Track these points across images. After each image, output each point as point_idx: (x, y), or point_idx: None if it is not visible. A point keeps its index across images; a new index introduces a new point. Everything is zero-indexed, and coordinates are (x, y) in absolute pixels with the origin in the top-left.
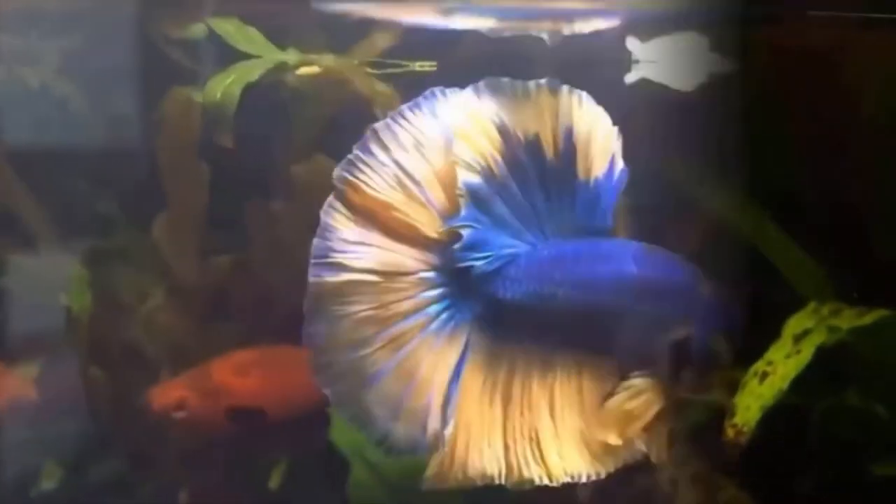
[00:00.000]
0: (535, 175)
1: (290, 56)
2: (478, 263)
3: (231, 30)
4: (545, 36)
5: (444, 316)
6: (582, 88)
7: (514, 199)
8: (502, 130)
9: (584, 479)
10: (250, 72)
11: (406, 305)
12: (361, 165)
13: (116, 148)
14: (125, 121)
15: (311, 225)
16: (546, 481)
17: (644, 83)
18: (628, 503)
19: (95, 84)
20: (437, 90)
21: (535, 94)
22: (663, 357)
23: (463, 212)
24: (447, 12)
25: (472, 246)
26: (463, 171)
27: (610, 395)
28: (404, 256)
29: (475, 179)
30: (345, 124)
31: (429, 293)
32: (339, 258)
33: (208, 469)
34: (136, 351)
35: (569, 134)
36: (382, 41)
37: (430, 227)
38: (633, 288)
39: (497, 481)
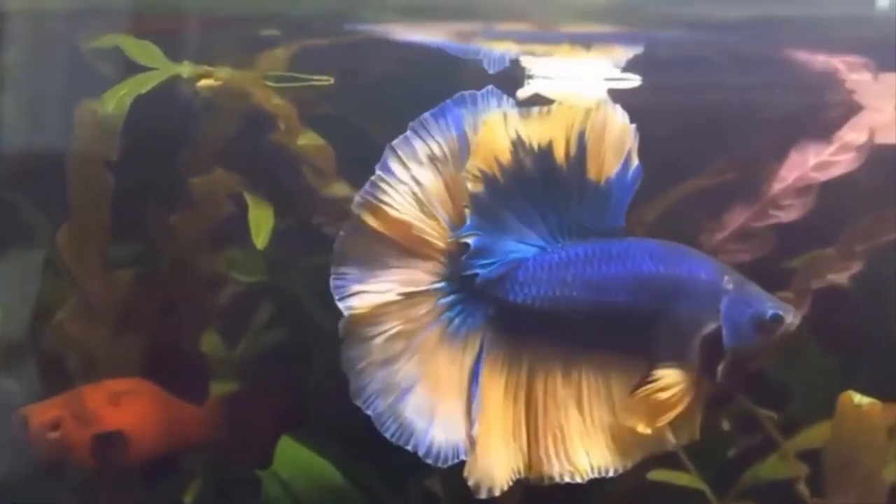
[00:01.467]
0: (545, 181)
1: (185, 68)
2: (482, 271)
3: (128, 43)
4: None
5: (457, 321)
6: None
7: (521, 206)
8: (516, 142)
9: (610, 474)
10: (143, 84)
11: (426, 316)
12: (384, 186)
13: (39, 156)
14: (50, 130)
15: (211, 237)
16: (571, 478)
17: (537, 99)
18: None
19: (25, 94)
20: (457, 100)
21: (556, 110)
22: (693, 351)
23: (468, 221)
24: (465, 36)
25: (476, 254)
26: (469, 183)
27: (639, 385)
28: (420, 271)
29: (480, 190)
30: (248, 137)
31: (443, 301)
32: (360, 288)
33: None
34: (52, 362)
35: (581, 137)
36: (283, 55)
37: (441, 238)
38: (651, 286)
39: (520, 476)
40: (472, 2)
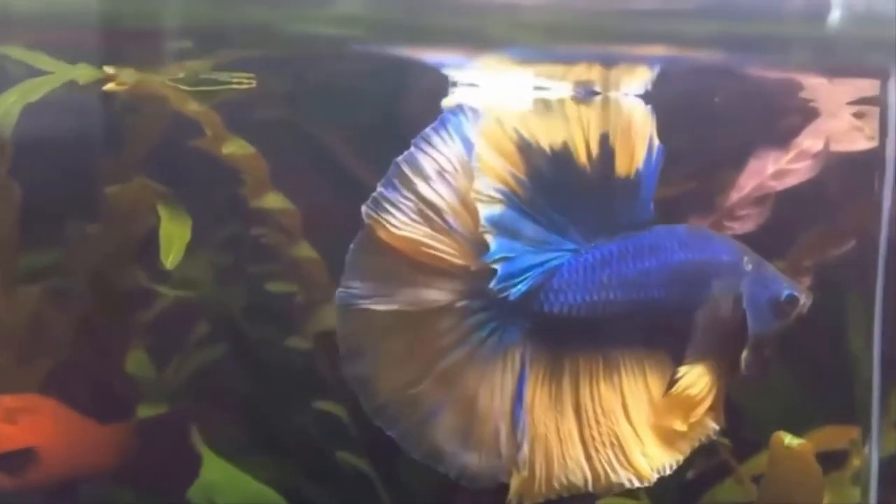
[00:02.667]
0: (567, 183)
1: (83, 72)
2: (515, 289)
3: (17, 53)
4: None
5: (491, 340)
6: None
7: (544, 214)
8: (522, 146)
9: (668, 471)
10: (34, 90)
11: (450, 338)
12: (385, 204)
13: None
14: None
15: (130, 250)
16: (637, 483)
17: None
18: None
19: None
20: (455, 110)
21: (557, 107)
22: (718, 337)
23: (492, 247)
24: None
25: (510, 275)
26: (484, 206)
27: (671, 383)
28: (436, 289)
29: (497, 211)
30: (171, 144)
31: (470, 320)
32: (366, 304)
33: None
34: None
35: (605, 138)
36: (205, 63)
37: (460, 255)
38: (682, 276)
39: (584, 490)
40: (425, 18)
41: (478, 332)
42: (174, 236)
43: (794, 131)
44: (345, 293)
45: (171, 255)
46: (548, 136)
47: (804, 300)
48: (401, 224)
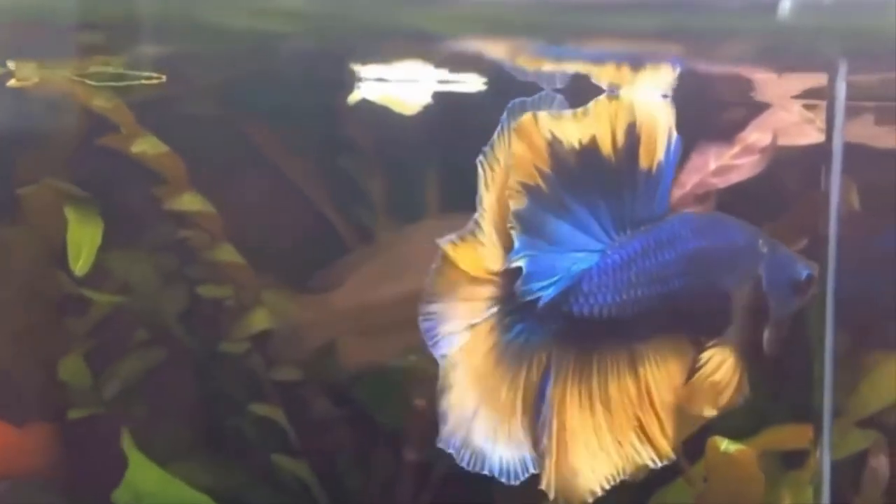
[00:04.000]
0: (592, 177)
1: None
2: (545, 293)
3: None
4: None
5: (517, 343)
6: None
7: (571, 212)
8: (553, 144)
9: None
10: None
11: (483, 343)
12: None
13: None
14: None
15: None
16: (662, 462)
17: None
18: None
19: None
20: (508, 111)
21: (592, 108)
22: (739, 320)
23: (516, 244)
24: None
25: (533, 276)
26: (513, 201)
27: (693, 371)
28: (480, 299)
29: (522, 205)
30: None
31: (500, 324)
32: (447, 329)
33: None
34: None
35: (631, 129)
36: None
37: (494, 260)
38: (701, 264)
39: (618, 479)
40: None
41: (507, 334)
42: (83, 240)
43: (740, 125)
44: (427, 320)
45: (81, 260)
46: (578, 132)
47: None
48: (465, 234)
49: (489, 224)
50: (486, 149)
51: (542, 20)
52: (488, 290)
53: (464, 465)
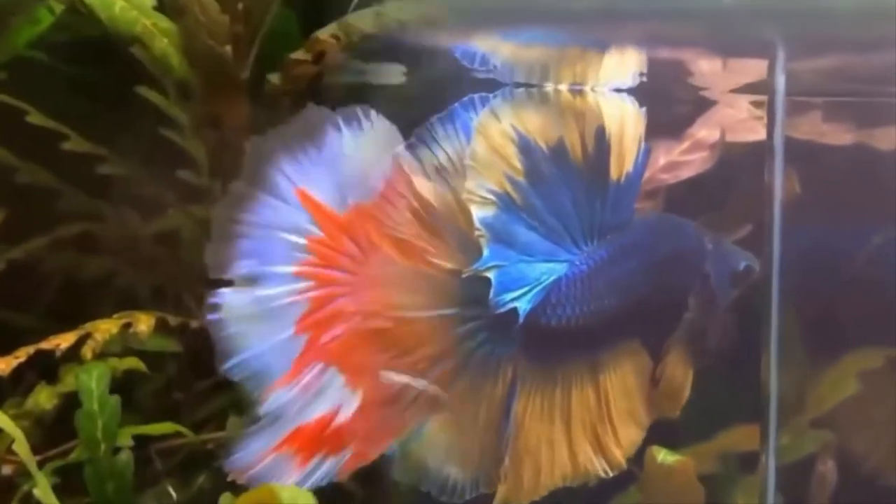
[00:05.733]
0: (562, 184)
1: None
2: (519, 304)
3: None
4: None
5: (481, 352)
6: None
7: (540, 219)
8: (521, 145)
9: (634, 449)
10: None
11: (439, 346)
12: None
13: None
14: None
15: None
16: (610, 472)
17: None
18: None
19: None
20: (466, 103)
21: (553, 99)
22: (691, 319)
23: (485, 253)
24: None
25: (505, 286)
26: (477, 207)
27: (651, 376)
28: (424, 294)
29: (491, 213)
30: None
31: (461, 329)
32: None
33: None
34: None
35: (601, 134)
36: None
37: (451, 259)
38: (661, 267)
39: (563, 485)
40: None
41: (468, 342)
42: None
43: (688, 120)
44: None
45: None
46: (544, 131)
47: (757, 268)
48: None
49: (443, 218)
50: (423, 134)
51: (479, 3)
52: (437, 288)
53: (398, 476)
